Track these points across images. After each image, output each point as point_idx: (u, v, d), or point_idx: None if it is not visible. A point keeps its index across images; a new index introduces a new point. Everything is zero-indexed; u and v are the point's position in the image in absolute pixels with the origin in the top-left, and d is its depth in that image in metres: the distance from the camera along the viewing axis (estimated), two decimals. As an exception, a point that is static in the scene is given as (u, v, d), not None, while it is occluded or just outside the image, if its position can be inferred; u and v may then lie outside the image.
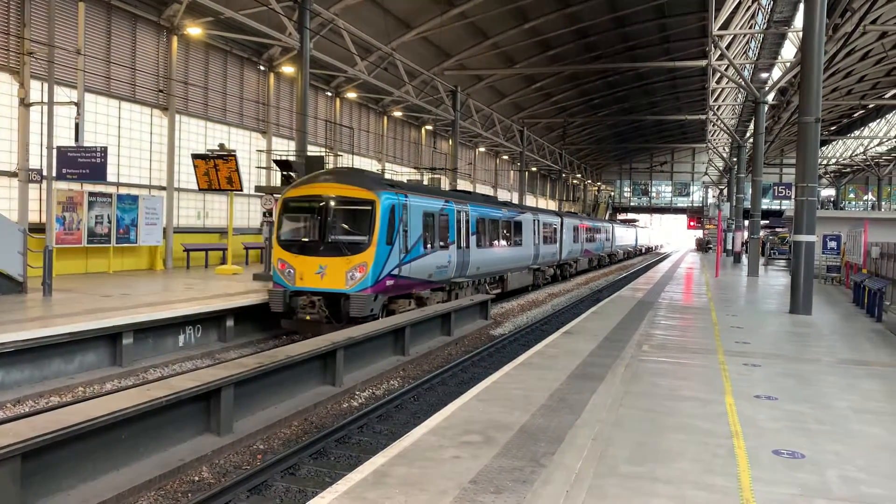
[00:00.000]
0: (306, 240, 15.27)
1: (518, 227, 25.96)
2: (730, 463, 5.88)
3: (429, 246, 17.58)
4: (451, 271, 19.26)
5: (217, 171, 21.23)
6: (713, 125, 51.99)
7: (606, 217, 70.03)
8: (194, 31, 23.44)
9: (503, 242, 24.05)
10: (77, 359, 11.64)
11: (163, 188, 23.64)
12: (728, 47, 29.07)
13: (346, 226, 15.35)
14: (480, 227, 21.56)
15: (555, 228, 32.32)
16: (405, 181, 21.30)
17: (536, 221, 28.78)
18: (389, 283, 15.62)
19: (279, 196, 17.17)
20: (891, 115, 60.65)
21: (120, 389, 10.76)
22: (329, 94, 33.24)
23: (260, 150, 27.41)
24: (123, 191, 21.83)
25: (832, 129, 66.00)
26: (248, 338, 15.41)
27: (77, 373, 11.56)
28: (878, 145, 65.77)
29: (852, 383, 9.12)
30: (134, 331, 12.46)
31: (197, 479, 7.78)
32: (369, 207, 15.12)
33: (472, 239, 20.74)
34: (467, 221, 20.41)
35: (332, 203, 15.25)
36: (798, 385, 8.93)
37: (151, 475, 7.37)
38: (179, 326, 13.72)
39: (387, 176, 23.41)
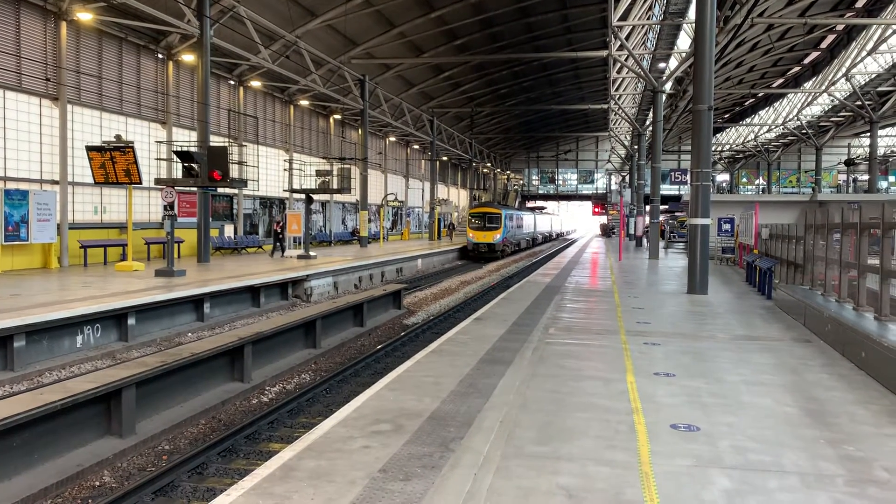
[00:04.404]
0: (479, 224, 42.87)
1: (523, 219, 54.04)
2: (630, 438, 6.12)
3: (511, 228, 45.24)
4: (513, 238, 47.06)
5: (114, 164, 20.25)
6: (615, 114, 53.66)
7: (517, 205, 71.65)
8: (84, 16, 22.30)
9: (521, 227, 52.56)
10: (-37, 365, 10.95)
11: (56, 182, 22.45)
12: (627, 38, 29.96)
13: (492, 220, 42.79)
14: (517, 220, 50.19)
15: (534, 219, 62.08)
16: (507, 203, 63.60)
17: (528, 216, 58.92)
18: (505, 240, 43.51)
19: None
20: (778, 103, 64.14)
21: (11, 395, 10.20)
22: (232, 82, 32.35)
23: (160, 142, 26.36)
24: (11, 185, 20.60)
25: (725, 116, 69.26)
26: (152, 336, 14.89)
27: (-37, 380, 10.88)
28: (767, 132, 69.44)
29: (744, 358, 9.64)
30: (26, 333, 11.82)
31: (98, 483, 7.50)
32: (500, 214, 43.17)
33: (515, 225, 48.86)
34: (515, 218, 49.01)
35: (488, 213, 43.19)
36: (695, 361, 9.37)
37: (47, 483, 7.05)
38: (77, 326, 13.11)
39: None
